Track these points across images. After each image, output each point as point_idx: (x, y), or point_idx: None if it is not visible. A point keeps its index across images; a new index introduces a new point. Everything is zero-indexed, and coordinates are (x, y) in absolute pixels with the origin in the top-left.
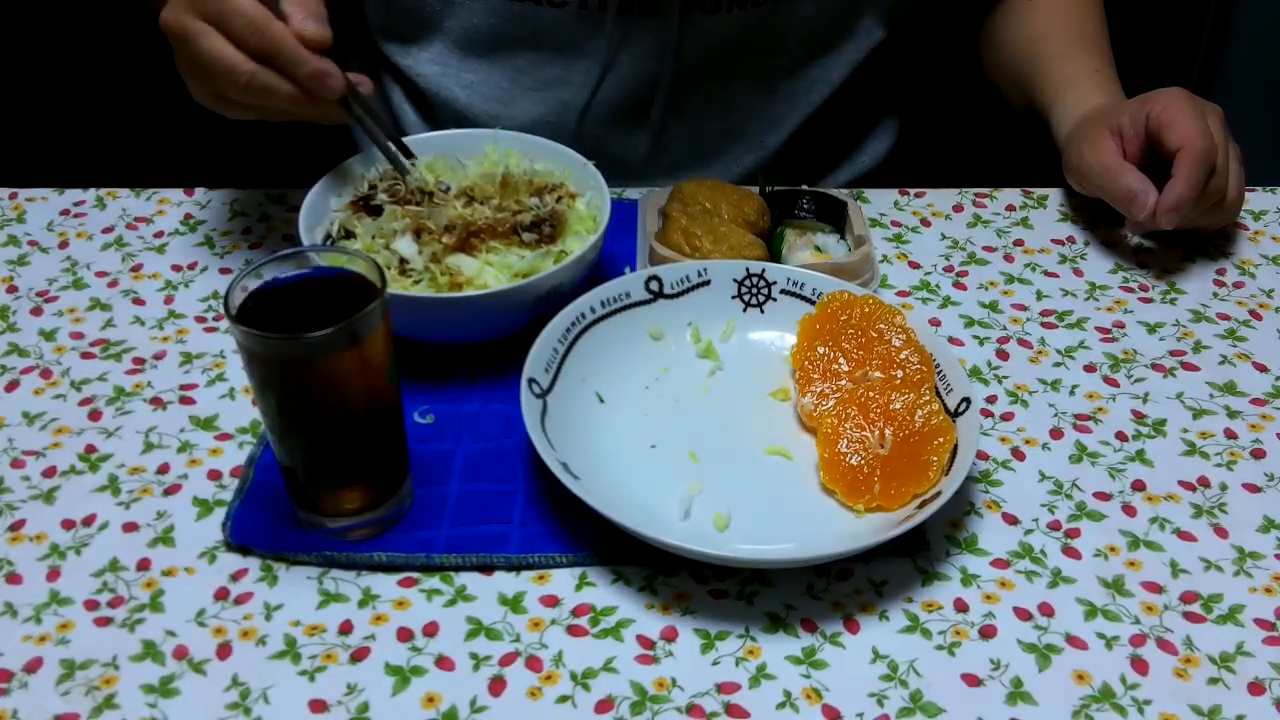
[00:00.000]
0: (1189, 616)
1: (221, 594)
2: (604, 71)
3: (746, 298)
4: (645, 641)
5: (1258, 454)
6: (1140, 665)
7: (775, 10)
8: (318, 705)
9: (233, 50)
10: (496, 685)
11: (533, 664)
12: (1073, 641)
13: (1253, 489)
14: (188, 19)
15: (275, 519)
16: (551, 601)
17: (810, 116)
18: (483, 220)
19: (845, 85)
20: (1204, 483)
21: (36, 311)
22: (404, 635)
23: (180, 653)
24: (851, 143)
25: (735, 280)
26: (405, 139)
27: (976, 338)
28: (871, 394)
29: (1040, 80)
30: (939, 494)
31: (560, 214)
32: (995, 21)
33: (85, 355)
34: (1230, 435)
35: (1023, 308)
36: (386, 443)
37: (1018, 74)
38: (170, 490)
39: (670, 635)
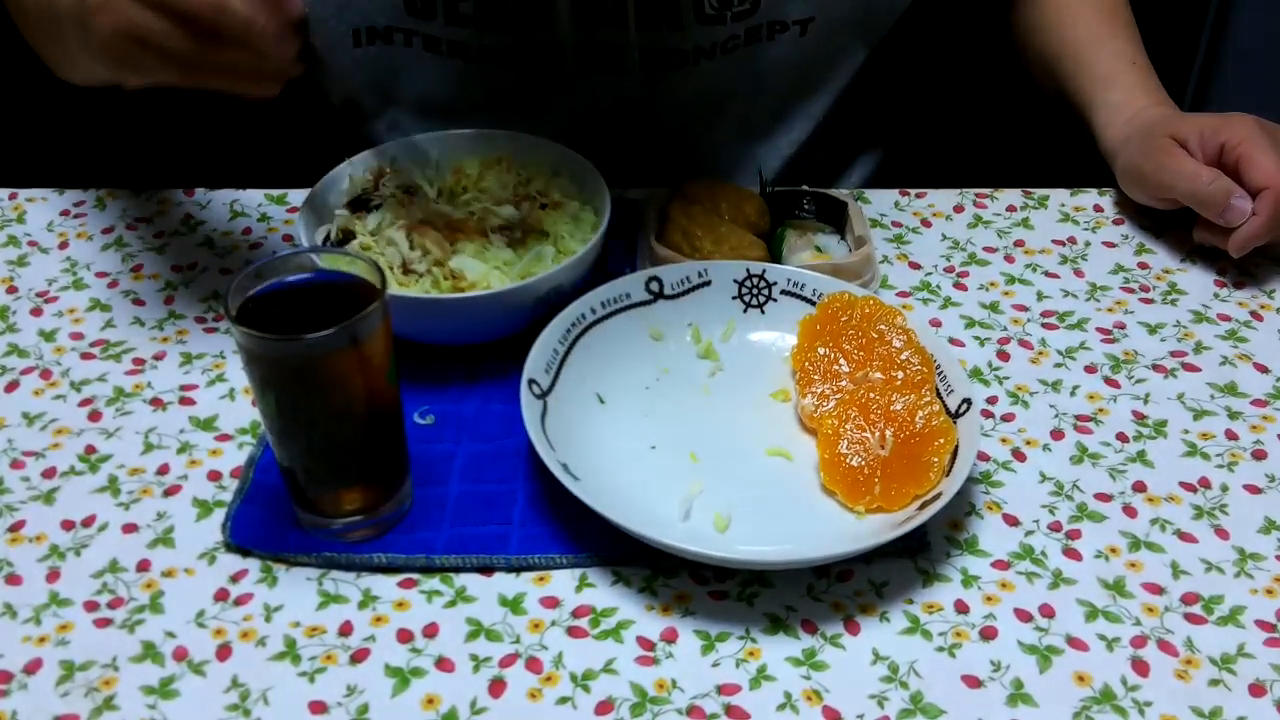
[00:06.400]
0: (1190, 618)
1: (221, 595)
2: (570, 130)
3: (747, 298)
4: (645, 643)
5: (1259, 455)
6: (1141, 667)
7: (750, 55)
8: (318, 706)
9: None
10: (496, 687)
11: (533, 665)
12: (1073, 643)
13: (1254, 490)
14: None
15: (275, 520)
16: (552, 603)
17: (793, 155)
18: (456, 217)
19: (829, 116)
20: (1205, 484)
21: (36, 312)
22: (404, 636)
23: (180, 654)
24: (838, 168)
25: (736, 281)
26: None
27: (977, 338)
28: (872, 395)
29: (1073, 73)
30: (940, 495)
31: (532, 224)
32: (1019, 9)
33: (85, 356)
34: (1231, 436)
35: (1023, 308)
36: (386, 443)
37: (1047, 64)
38: (170, 491)
39: (670, 636)
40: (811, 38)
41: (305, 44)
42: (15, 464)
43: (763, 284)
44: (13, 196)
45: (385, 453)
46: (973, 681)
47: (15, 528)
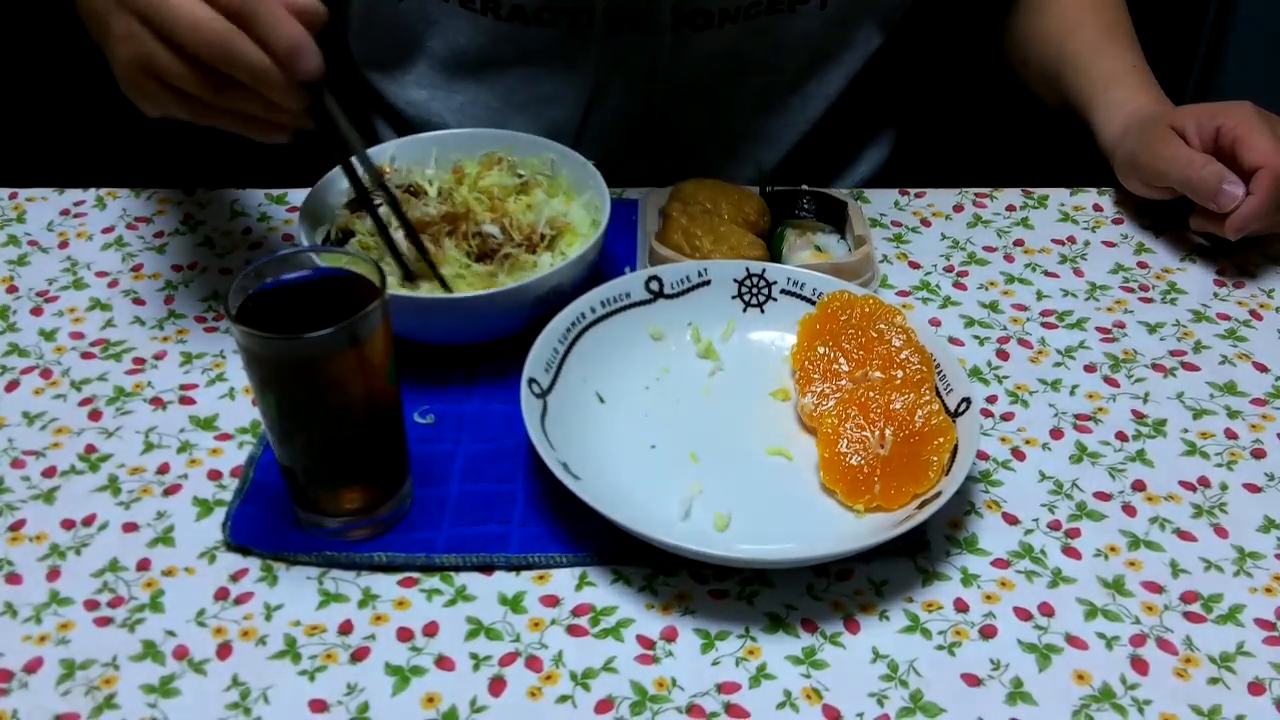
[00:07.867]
0: (1189, 616)
1: (221, 594)
2: (595, 90)
3: (747, 298)
4: (645, 641)
5: (1258, 454)
6: (1140, 665)
7: (771, 25)
8: (318, 705)
9: (202, 3)
10: (496, 685)
11: (533, 664)
12: (1073, 641)
13: (1253, 489)
14: None
15: (275, 519)
16: (551, 601)
17: (807, 132)
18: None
19: (842, 97)
20: (1204, 483)
21: (36, 311)
22: (404, 635)
23: (180, 653)
24: (849, 154)
25: (735, 280)
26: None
27: (976, 338)
28: (872, 394)
29: (1074, 76)
30: (939, 494)
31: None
32: (1019, 17)
33: (85, 355)
34: (1230, 435)
35: (1023, 308)
36: (386, 443)
37: (1048, 70)
38: (170, 490)
39: (670, 635)
40: (831, 13)
41: (317, 102)
42: (15, 463)
43: (762, 283)
44: (13, 196)
45: (385, 452)
46: (972, 680)
47: (15, 527)
